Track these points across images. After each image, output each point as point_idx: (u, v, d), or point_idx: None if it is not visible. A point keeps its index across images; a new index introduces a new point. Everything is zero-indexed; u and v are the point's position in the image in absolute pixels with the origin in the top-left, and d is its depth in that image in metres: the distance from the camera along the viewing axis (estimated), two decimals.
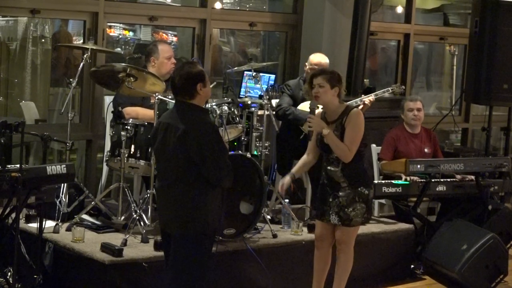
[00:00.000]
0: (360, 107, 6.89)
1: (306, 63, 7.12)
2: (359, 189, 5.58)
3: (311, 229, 6.56)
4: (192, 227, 4.75)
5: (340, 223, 5.62)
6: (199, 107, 4.82)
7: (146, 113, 6.43)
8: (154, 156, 5.61)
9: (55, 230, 5.97)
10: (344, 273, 5.78)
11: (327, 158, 5.69)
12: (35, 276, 5.46)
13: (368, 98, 6.98)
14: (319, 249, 5.84)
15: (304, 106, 6.92)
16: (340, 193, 5.59)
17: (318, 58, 7.11)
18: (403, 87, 7.35)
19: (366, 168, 5.69)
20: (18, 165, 5.16)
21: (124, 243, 5.73)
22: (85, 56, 6.36)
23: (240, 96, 7.61)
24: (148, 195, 6.07)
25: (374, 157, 7.63)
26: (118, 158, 6.15)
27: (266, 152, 6.74)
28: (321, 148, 5.67)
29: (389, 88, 7.27)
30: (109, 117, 6.67)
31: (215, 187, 4.80)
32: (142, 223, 6.03)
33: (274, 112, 6.92)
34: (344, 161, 5.53)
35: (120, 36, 9.05)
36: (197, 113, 4.79)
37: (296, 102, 6.98)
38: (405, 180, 7.13)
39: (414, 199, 7.20)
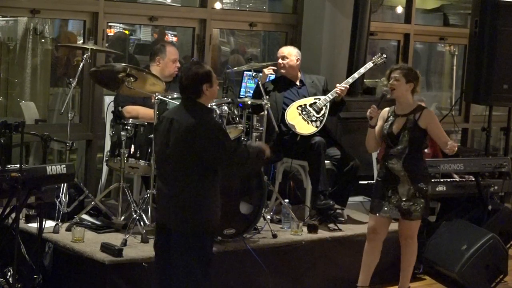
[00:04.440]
0: (336, 95, 6.92)
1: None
2: (419, 184, 5.92)
3: (311, 229, 6.57)
4: (194, 223, 4.78)
5: (401, 216, 6.01)
6: (205, 106, 4.91)
7: (146, 112, 6.42)
8: (154, 152, 5.56)
9: (55, 230, 5.97)
10: (411, 265, 6.27)
11: (388, 153, 5.99)
12: (35, 276, 5.46)
13: (339, 87, 6.94)
14: (370, 241, 6.17)
15: (293, 106, 6.95)
16: (400, 188, 5.93)
17: (283, 48, 7.19)
18: (385, 55, 7.15)
19: (427, 165, 6.05)
20: (18, 165, 5.15)
21: (124, 243, 5.73)
22: (85, 56, 6.36)
23: (240, 96, 7.61)
24: (148, 195, 6.07)
25: (374, 157, 7.63)
26: (118, 158, 6.15)
27: None
28: (389, 140, 5.98)
29: (370, 62, 7.10)
30: (109, 117, 6.67)
31: (216, 183, 4.85)
32: (142, 223, 6.02)
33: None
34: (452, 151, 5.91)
35: None
36: (203, 110, 4.88)
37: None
38: None
39: None
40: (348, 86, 6.96)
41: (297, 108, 6.91)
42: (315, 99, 6.95)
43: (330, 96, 6.92)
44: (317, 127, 6.85)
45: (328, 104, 6.89)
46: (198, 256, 4.78)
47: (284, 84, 7.10)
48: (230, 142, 4.87)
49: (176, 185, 4.80)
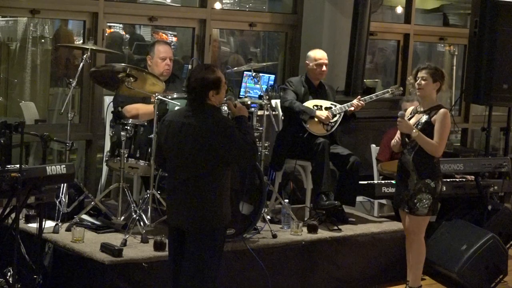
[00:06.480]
0: (351, 108, 7.02)
1: (308, 61, 7.15)
2: (426, 180, 6.00)
3: (311, 229, 6.57)
4: (210, 222, 4.79)
5: (408, 211, 6.06)
6: (213, 106, 4.86)
7: (147, 108, 6.38)
8: (155, 153, 5.55)
9: (55, 230, 5.97)
10: (419, 263, 6.23)
11: (404, 147, 6.10)
12: (35, 276, 5.46)
13: (356, 102, 7.04)
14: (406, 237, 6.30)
15: (309, 104, 7.00)
16: (409, 183, 6.03)
17: (322, 54, 7.21)
18: (401, 88, 7.41)
19: (437, 163, 6.05)
20: (18, 165, 5.15)
21: (124, 243, 5.73)
22: (85, 56, 6.35)
23: (240, 96, 7.61)
24: (148, 195, 6.07)
25: (374, 157, 7.64)
26: (118, 158, 6.15)
27: (266, 152, 6.74)
28: (405, 134, 6.07)
29: (389, 90, 7.33)
30: (109, 117, 6.66)
31: (229, 179, 4.88)
32: (142, 223, 6.03)
33: (280, 105, 7.08)
34: (435, 156, 5.99)
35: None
36: (213, 110, 4.84)
37: (298, 98, 7.05)
38: None
39: None
40: (364, 104, 7.08)
41: (313, 107, 6.97)
42: (331, 104, 7.05)
43: (346, 106, 7.02)
44: (327, 130, 6.93)
45: (342, 113, 6.98)
46: (214, 252, 4.81)
47: (310, 87, 7.14)
48: (246, 136, 4.88)
49: (195, 186, 4.78)
